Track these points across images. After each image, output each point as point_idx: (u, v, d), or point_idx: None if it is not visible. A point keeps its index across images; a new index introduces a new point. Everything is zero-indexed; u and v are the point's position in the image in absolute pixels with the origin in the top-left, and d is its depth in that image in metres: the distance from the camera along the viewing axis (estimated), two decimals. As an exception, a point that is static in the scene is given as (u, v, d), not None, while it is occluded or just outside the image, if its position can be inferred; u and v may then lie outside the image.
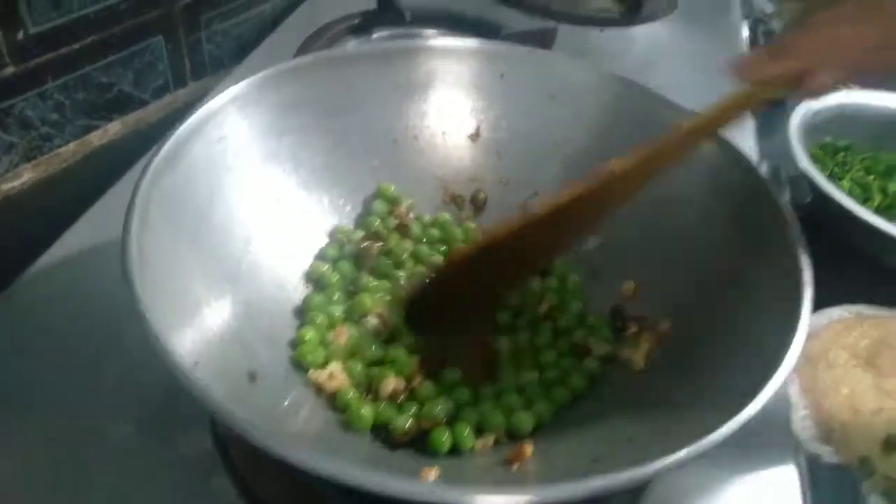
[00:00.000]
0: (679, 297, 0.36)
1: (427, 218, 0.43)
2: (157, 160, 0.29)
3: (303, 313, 0.37)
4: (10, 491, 0.32)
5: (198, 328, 0.29)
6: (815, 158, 0.74)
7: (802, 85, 0.31)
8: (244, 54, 0.67)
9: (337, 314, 0.37)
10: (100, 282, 0.39)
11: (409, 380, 0.34)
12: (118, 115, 0.61)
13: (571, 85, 0.41)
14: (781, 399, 0.40)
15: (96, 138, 0.60)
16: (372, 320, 0.36)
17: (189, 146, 0.32)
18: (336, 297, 0.38)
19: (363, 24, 0.63)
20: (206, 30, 0.66)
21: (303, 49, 0.59)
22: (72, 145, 0.58)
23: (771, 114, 0.71)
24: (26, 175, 0.53)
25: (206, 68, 0.68)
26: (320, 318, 0.36)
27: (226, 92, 0.35)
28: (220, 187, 0.35)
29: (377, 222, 0.41)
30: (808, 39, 0.31)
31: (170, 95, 0.66)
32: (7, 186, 0.51)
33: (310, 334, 0.35)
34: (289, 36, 0.63)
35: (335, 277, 0.38)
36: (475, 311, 0.37)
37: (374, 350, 0.35)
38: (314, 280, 0.39)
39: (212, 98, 0.35)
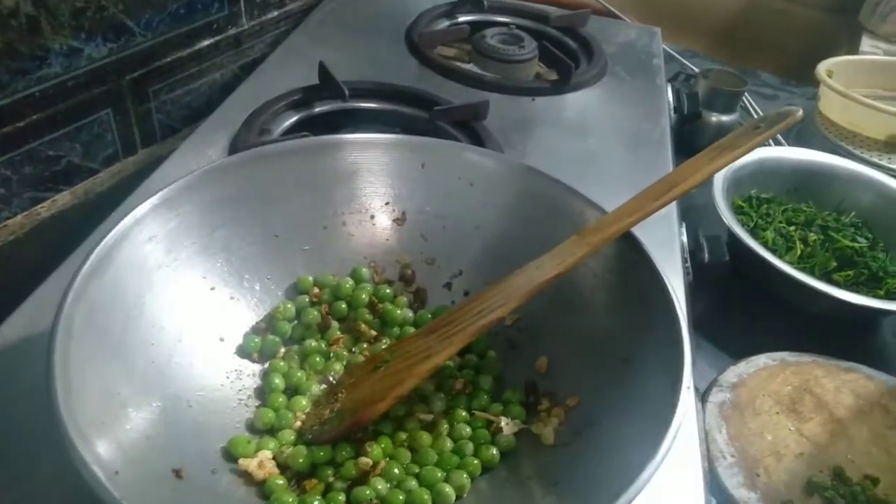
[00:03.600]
0: (585, 375, 0.39)
1: (364, 295, 0.45)
2: (81, 274, 0.31)
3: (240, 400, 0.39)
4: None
5: (122, 431, 0.30)
6: (739, 210, 0.79)
7: None
8: (195, 120, 0.68)
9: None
10: (39, 372, 0.40)
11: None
12: (67, 185, 0.61)
13: (485, 174, 0.45)
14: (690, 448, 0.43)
15: (45, 210, 0.60)
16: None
17: (116, 252, 0.34)
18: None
19: (305, 99, 0.66)
20: (154, 101, 0.68)
21: (246, 124, 0.61)
22: (19, 218, 0.58)
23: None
24: (-28, 249, 0.54)
25: (156, 135, 0.69)
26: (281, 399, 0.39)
27: (155, 196, 0.37)
28: (150, 284, 0.36)
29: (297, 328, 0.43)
30: None
31: (120, 164, 0.66)
32: (-46, 260, 0.51)
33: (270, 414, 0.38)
34: (236, 107, 0.65)
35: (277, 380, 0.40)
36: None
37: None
38: (248, 354, 0.41)
39: (139, 203, 0.36)
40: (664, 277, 0.37)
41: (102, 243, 0.33)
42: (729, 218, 0.72)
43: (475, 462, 0.37)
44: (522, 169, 0.44)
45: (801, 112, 0.40)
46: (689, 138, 0.90)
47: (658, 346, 0.35)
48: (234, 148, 0.60)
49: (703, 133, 0.91)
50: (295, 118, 0.64)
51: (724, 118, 0.93)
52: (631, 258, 0.39)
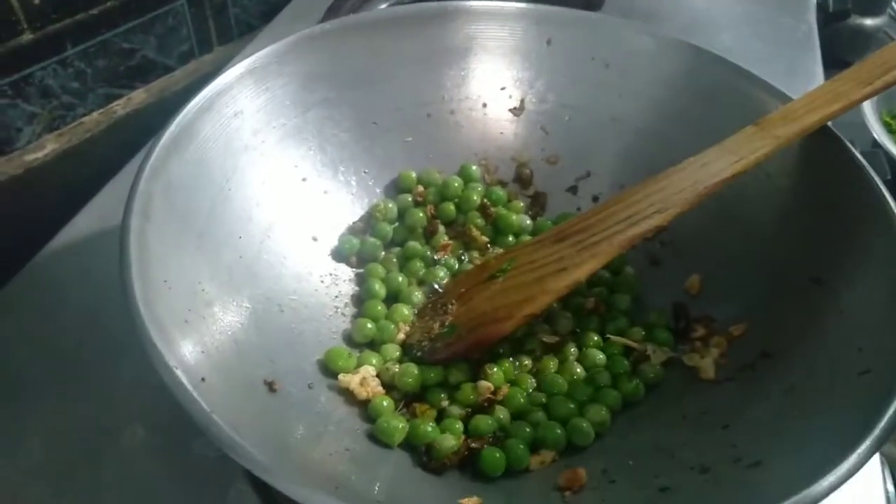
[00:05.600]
0: (753, 298, 0.32)
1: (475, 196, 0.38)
2: (160, 146, 0.26)
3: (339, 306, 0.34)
4: (13, 491, 0.30)
5: (207, 334, 0.25)
6: (888, 128, 0.68)
7: None
8: (272, 17, 0.63)
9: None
10: (114, 271, 0.37)
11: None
12: (142, 82, 0.58)
13: (629, 52, 0.37)
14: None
15: (120, 107, 0.57)
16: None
17: (199, 125, 0.29)
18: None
19: (396, -16, 0.58)
20: (230, -8, 0.63)
21: (331, 11, 0.55)
22: (95, 114, 0.56)
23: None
24: (49, 146, 0.51)
25: (232, 32, 0.65)
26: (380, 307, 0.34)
27: (242, 63, 0.31)
28: (236, 169, 0.31)
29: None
30: None
31: (195, 61, 0.63)
32: (31, 157, 0.49)
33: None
34: (318, -4, 0.59)
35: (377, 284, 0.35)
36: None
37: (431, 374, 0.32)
38: (344, 257, 0.36)
39: (227, 69, 0.31)
40: (880, 184, 0.28)
41: (184, 112, 0.28)
42: (881, 134, 0.61)
43: (615, 394, 0.31)
44: (677, 45, 0.35)
45: None
46: (827, 44, 0.77)
47: (870, 267, 0.27)
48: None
49: (843, 39, 0.78)
50: (385, 5, 0.57)
51: (869, 21, 0.80)
52: (826, 158, 0.31)
